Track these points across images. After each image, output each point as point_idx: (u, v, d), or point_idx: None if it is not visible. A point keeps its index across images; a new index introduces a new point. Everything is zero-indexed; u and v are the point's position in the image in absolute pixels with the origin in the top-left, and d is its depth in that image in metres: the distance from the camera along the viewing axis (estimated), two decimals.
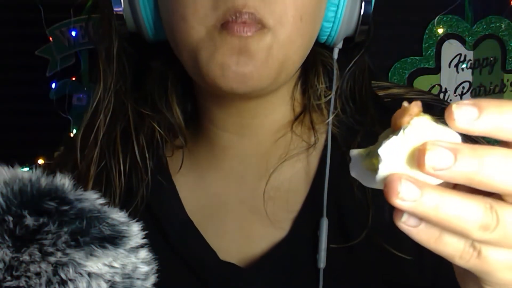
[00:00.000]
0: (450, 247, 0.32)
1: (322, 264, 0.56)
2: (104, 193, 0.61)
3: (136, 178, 0.62)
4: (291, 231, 0.60)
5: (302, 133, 0.62)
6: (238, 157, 0.63)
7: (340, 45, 0.61)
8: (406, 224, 0.32)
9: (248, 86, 0.52)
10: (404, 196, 0.30)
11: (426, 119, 0.31)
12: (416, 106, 0.32)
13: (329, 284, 0.56)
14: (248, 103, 0.60)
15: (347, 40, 0.61)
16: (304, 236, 0.59)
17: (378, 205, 0.57)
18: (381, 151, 0.31)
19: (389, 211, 0.58)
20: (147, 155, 0.62)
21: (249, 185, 0.62)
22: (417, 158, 0.30)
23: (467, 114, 0.30)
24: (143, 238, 0.37)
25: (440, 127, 0.31)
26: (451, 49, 1.59)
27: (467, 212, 0.30)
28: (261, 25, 0.51)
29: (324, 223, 0.57)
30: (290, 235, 0.59)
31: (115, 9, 0.57)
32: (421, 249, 0.56)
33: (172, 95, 0.63)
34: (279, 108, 0.62)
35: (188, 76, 0.59)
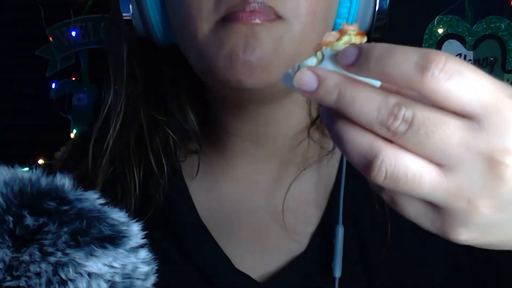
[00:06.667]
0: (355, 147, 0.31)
1: (337, 273, 0.54)
2: (120, 201, 0.60)
3: (153, 183, 0.61)
4: (309, 246, 0.58)
5: (320, 139, 0.60)
6: (252, 164, 0.61)
7: None
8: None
9: (257, 78, 0.50)
10: (300, 79, 0.31)
11: (332, 50, 0.32)
12: (330, 36, 0.33)
13: None
14: (261, 109, 0.58)
15: None
16: (322, 250, 0.57)
17: (396, 218, 0.55)
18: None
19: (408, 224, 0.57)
20: (163, 160, 0.61)
21: (264, 194, 0.61)
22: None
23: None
24: (143, 238, 0.38)
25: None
26: (451, 49, 1.59)
27: (365, 99, 0.30)
28: (275, 15, 0.50)
29: (340, 230, 0.55)
30: (308, 249, 0.58)
31: (123, 14, 0.57)
32: (435, 262, 0.56)
33: (185, 100, 0.62)
34: (295, 114, 0.60)
35: (200, 80, 0.58)
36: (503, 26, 1.57)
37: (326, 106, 0.32)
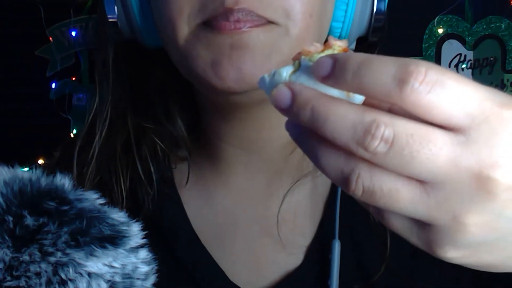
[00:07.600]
0: (331, 164, 0.29)
1: None
2: None
3: (141, 193, 0.59)
4: (305, 260, 0.56)
5: None
6: (246, 173, 0.59)
7: (353, 46, 0.58)
8: (289, 130, 0.30)
9: (246, 83, 0.48)
10: (277, 96, 0.29)
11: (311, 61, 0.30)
12: (312, 46, 0.31)
13: None
14: (252, 113, 0.56)
15: (360, 40, 0.58)
16: (318, 265, 0.56)
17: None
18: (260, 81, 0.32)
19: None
20: (152, 168, 0.59)
21: (259, 205, 0.59)
22: None
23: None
24: (143, 238, 0.38)
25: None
26: (451, 49, 1.59)
27: (339, 116, 0.27)
28: (265, 21, 0.48)
29: (336, 245, 0.53)
30: (303, 264, 0.56)
31: (109, 16, 0.55)
32: (437, 277, 0.54)
33: (173, 106, 0.60)
34: None
35: (189, 85, 0.56)
36: (503, 26, 1.57)
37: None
